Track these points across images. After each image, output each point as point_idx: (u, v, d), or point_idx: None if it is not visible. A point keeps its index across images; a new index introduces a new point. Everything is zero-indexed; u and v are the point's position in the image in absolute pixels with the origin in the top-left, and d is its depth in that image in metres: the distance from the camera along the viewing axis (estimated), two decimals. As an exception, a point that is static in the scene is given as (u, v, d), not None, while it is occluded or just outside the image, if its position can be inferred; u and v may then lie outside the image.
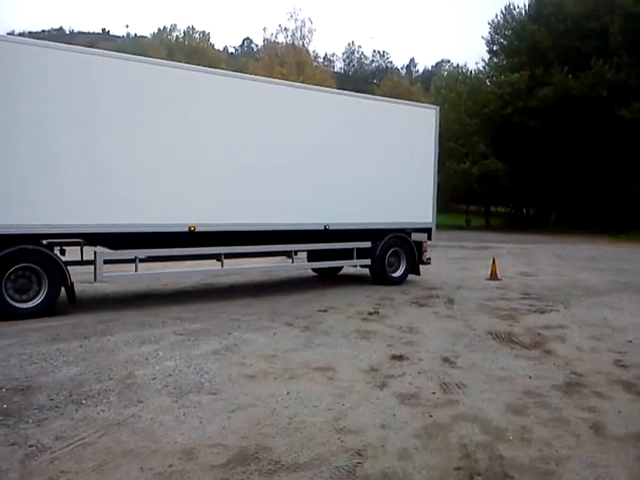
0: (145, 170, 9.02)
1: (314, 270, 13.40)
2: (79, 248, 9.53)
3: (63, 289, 8.62)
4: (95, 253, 8.76)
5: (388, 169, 11.96)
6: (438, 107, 13.37)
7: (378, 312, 9.19)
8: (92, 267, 8.79)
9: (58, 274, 8.39)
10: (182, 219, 9.32)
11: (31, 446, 4.15)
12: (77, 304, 8.92)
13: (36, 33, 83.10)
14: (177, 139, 9.29)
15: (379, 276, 12.15)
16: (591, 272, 15.23)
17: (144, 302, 9.68)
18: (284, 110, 10.50)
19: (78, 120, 8.43)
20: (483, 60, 47.16)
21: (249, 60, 65.13)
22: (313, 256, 12.17)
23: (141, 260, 9.21)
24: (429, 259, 12.74)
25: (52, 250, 8.72)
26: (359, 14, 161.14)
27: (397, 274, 12.40)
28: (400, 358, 6.55)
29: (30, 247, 8.16)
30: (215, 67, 35.28)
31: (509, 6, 43.85)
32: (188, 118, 9.42)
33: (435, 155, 12.85)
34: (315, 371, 6.00)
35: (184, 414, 4.79)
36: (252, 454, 4.10)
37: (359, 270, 13.61)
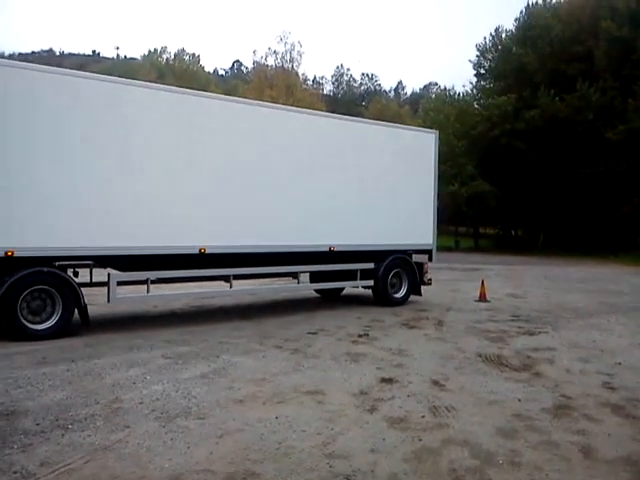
0: (156, 195, 9.22)
1: (316, 291, 13.55)
2: (88, 270, 9.58)
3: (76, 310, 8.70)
4: (109, 275, 8.94)
5: (390, 192, 12.27)
6: (438, 131, 13.73)
7: (368, 334, 9.17)
8: (93, 289, 8.90)
9: (72, 296, 8.51)
10: (192, 242, 9.52)
11: (15, 472, 4.09)
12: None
13: (26, 54, 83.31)
14: (187, 166, 9.53)
15: (382, 297, 12.31)
16: (580, 294, 15.31)
17: (133, 324, 9.61)
18: (292, 137, 10.85)
19: (95, 149, 8.65)
20: (471, 83, 47.85)
21: (239, 82, 65.62)
22: (316, 277, 12.21)
23: (152, 282, 9.35)
24: (430, 280, 12.94)
25: (65, 272, 8.78)
26: (348, 38, 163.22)
27: (399, 295, 12.61)
28: (390, 381, 6.53)
29: (45, 269, 8.29)
30: (205, 89, 35.51)
31: (497, 29, 44.58)
32: (197, 146, 9.67)
33: (435, 178, 13.22)
34: (304, 395, 5.96)
35: (171, 439, 4.73)
36: (240, 480, 4.05)
37: (349, 291, 13.70)
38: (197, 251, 9.54)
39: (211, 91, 41.12)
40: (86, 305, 8.70)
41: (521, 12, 43.01)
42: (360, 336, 9.03)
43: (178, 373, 6.65)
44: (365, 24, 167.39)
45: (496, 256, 32.42)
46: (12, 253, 7.94)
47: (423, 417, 5.36)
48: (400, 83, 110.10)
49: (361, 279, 11.94)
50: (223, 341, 8.41)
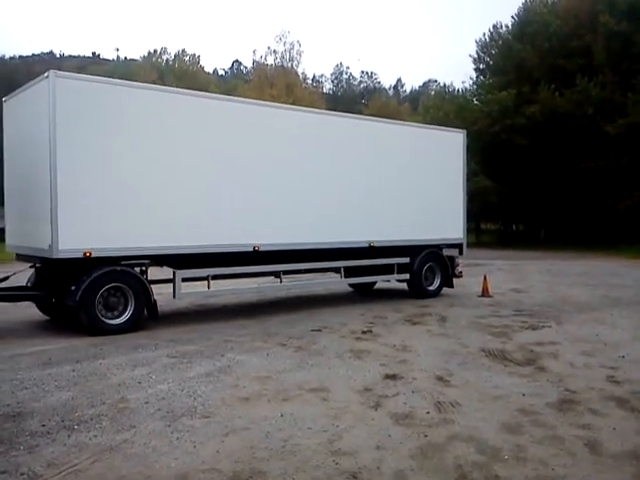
0: (214, 197, 9.85)
1: (351, 285, 13.99)
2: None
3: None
4: (174, 272, 9.58)
5: (424, 189, 12.97)
6: (465, 131, 14.36)
7: (371, 331, 9.18)
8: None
9: (143, 292, 9.08)
10: (247, 240, 10.16)
11: (22, 474, 4.11)
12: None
13: (26, 57, 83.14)
14: (244, 170, 10.21)
15: (417, 290, 13.02)
16: (582, 287, 15.29)
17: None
18: (335, 138, 11.57)
19: (158, 155, 9.31)
20: (471, 78, 47.62)
21: (239, 82, 65.51)
22: (351, 272, 12.41)
23: (213, 278, 10.00)
24: (461, 272, 13.80)
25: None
26: (347, 36, 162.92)
27: (433, 287, 13.30)
28: (394, 377, 6.54)
29: (119, 268, 8.92)
30: (205, 90, 35.52)
31: (496, 25, 44.45)
32: (253, 152, 10.35)
33: (464, 175, 14.02)
34: (309, 392, 5.97)
35: (177, 438, 4.75)
36: (246, 478, 4.07)
37: (347, 288, 13.85)
38: (251, 249, 10.20)
39: (211, 91, 41.16)
40: (155, 301, 9.28)
41: (519, 8, 42.88)
42: (364, 333, 9.04)
43: (183, 372, 6.67)
44: (364, 22, 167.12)
45: (498, 251, 32.38)
46: (90, 254, 8.49)
47: (428, 413, 5.37)
48: (399, 80, 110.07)
49: (398, 273, 12.62)
50: (228, 339, 8.44)
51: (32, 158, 9.04)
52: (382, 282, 13.77)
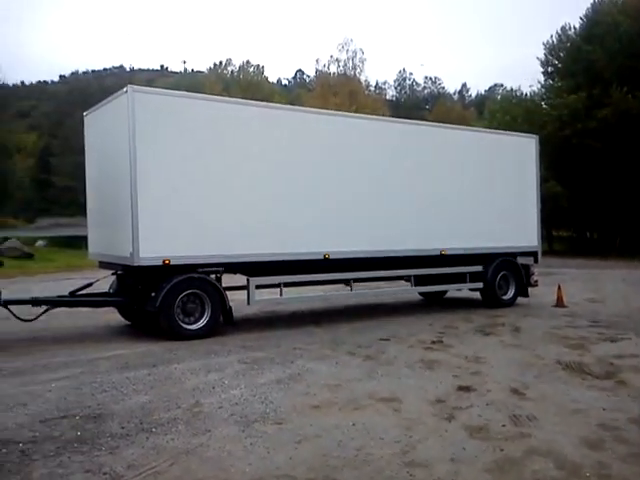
0: (288, 205, 10.05)
1: (421, 294, 13.78)
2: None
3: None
4: (248, 280, 9.76)
5: (496, 196, 12.71)
6: (537, 136, 14.04)
7: (442, 341, 9.04)
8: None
9: (218, 299, 9.32)
10: (318, 248, 10.27)
11: (105, 474, 4.25)
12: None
13: (98, 71, 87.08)
14: (317, 177, 10.40)
15: (490, 299, 12.70)
16: (663, 298, 14.54)
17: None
18: (408, 147, 11.54)
19: (233, 164, 9.58)
20: (539, 82, 46.40)
21: (302, 91, 66.30)
22: (421, 280, 12.30)
23: (284, 285, 10.18)
24: (536, 281, 13.20)
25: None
26: (410, 42, 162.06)
27: (507, 297, 12.94)
28: (467, 389, 6.41)
29: (196, 275, 9.17)
30: (269, 100, 36.05)
31: (564, 27, 43.17)
32: (326, 158, 10.52)
33: (537, 181, 13.64)
34: (380, 402, 5.93)
35: (251, 444, 4.81)
36: (321, 486, 4.07)
37: (416, 297, 13.60)
38: (322, 257, 10.28)
39: (275, 101, 41.80)
40: (231, 307, 9.52)
41: (587, 9, 41.54)
42: (434, 343, 8.91)
43: (254, 378, 6.77)
44: (427, 28, 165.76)
45: (571, 259, 31.26)
46: (168, 262, 8.80)
47: (504, 426, 5.23)
48: (464, 85, 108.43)
49: (471, 282, 12.37)
50: (297, 347, 8.50)
51: (113, 170, 9.44)
52: (453, 291, 13.55)
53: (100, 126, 10.16)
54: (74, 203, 43.78)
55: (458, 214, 12.07)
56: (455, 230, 11.98)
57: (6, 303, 8.65)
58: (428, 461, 4.49)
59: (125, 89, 8.82)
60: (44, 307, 9.13)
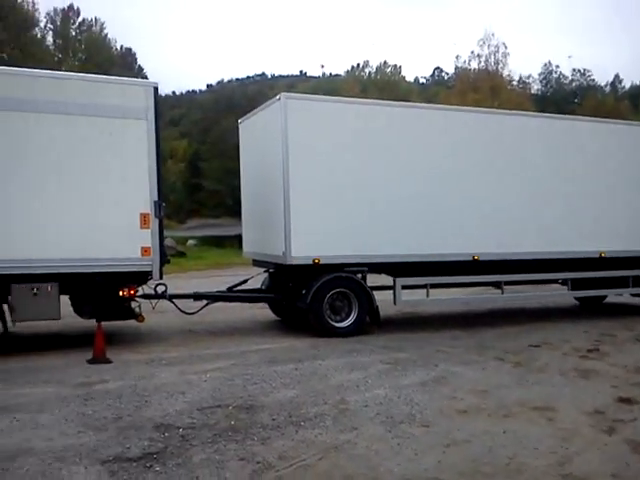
0: (435, 206, 9.90)
1: (576, 299, 13.06)
2: None
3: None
4: (394, 280, 9.79)
5: None
6: None
7: (598, 349, 8.42)
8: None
9: (365, 298, 9.42)
10: (466, 249, 10.01)
11: (258, 463, 4.41)
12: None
13: (242, 79, 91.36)
14: (464, 177, 10.13)
15: None
16: None
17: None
18: (563, 144, 10.92)
19: (380, 166, 9.64)
20: None
21: (440, 89, 64.98)
22: (577, 284, 11.57)
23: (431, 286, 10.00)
24: None
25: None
26: (555, 33, 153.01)
27: None
28: (628, 401, 5.91)
29: (344, 275, 9.39)
30: (406, 100, 35.75)
31: None
32: (475, 159, 10.22)
33: None
34: (532, 410, 5.63)
35: (398, 444, 4.77)
36: (472, 493, 3.94)
37: (568, 302, 12.79)
38: (470, 258, 10.01)
39: (412, 100, 41.39)
40: (377, 307, 9.55)
41: None
42: (589, 351, 8.31)
43: (398, 379, 6.73)
44: (574, 18, 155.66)
45: None
46: (318, 261, 9.11)
47: (675, 444, 4.75)
48: (617, 77, 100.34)
49: (634, 286, 11.41)
50: (440, 349, 8.35)
51: (266, 174, 9.89)
52: (611, 296, 12.58)
53: (254, 132, 10.69)
54: (221, 205, 46.25)
55: (620, 213, 11.27)
56: (616, 230, 11.20)
57: (171, 297, 9.30)
58: (587, 475, 4.21)
59: (278, 96, 9.20)
60: (204, 302, 9.72)
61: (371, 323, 9.64)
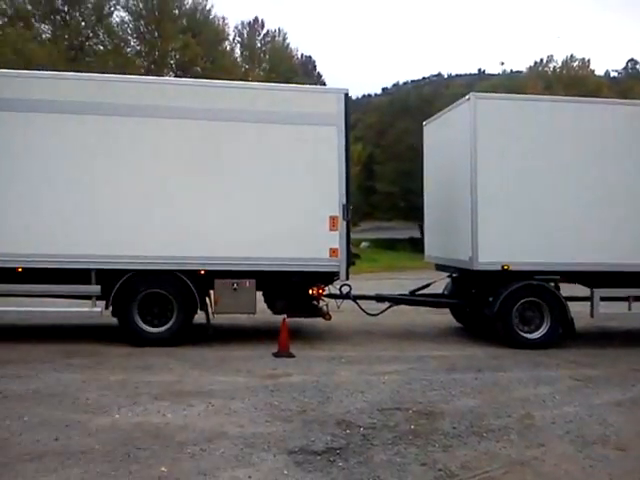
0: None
1: None
2: None
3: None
4: (592, 291, 9.19)
5: None
6: None
7: None
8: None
9: (559, 309, 8.99)
10: None
11: (440, 470, 4.40)
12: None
13: (417, 80, 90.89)
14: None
15: None
16: None
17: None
18: None
19: (570, 167, 9.02)
20: None
21: (634, 82, 59.28)
22: None
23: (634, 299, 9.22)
24: None
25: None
26: None
27: None
28: None
29: (535, 283, 9.00)
30: (596, 95, 33.05)
31: None
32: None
33: None
34: None
35: (590, 466, 4.50)
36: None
37: None
38: None
39: (602, 96, 38.18)
40: (572, 318, 9.11)
41: None
42: None
43: (589, 397, 6.33)
44: None
45: None
46: (508, 267, 8.82)
47: None
48: None
49: None
50: (636, 369, 7.67)
51: (452, 177, 9.78)
52: None
53: (440, 134, 10.57)
54: (394, 208, 46.44)
55: None
56: None
57: (355, 298, 9.57)
58: None
59: (467, 97, 9.02)
60: (386, 304, 9.84)
61: (565, 336, 9.09)
